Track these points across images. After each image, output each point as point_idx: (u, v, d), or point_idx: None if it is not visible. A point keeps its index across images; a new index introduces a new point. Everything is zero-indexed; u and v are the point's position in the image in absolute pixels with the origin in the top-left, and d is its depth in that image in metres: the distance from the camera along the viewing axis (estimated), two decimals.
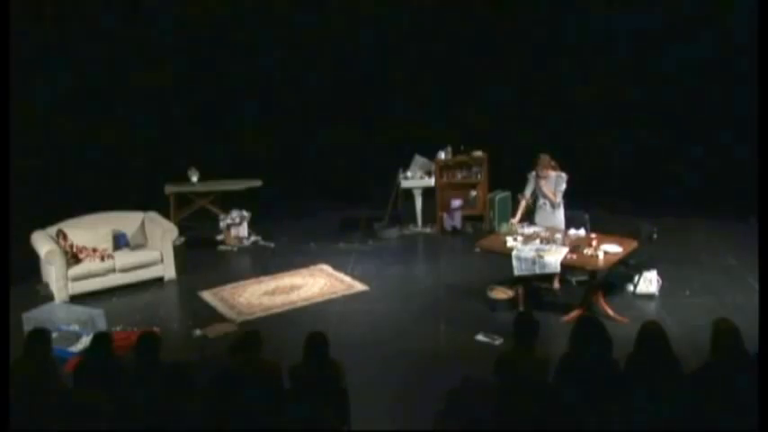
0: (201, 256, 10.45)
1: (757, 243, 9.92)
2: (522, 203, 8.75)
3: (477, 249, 8.91)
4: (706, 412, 4.64)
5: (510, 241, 8.16)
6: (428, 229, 11.38)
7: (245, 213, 11.00)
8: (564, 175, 8.58)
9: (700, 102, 11.65)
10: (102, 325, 7.76)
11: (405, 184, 11.34)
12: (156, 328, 7.52)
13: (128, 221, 9.88)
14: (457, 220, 11.31)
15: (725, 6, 11.24)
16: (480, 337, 7.48)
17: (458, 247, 10.66)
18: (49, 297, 8.93)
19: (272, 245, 10.94)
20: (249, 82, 12.57)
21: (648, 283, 8.39)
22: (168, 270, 9.55)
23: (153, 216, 10.05)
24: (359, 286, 9.14)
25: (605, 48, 12.16)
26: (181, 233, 10.38)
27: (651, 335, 4.99)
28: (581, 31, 12.19)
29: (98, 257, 9.23)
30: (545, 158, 8.58)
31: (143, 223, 9.92)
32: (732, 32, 11.17)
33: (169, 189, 11.30)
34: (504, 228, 8.70)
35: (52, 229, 9.34)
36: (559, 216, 8.66)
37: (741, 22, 10.79)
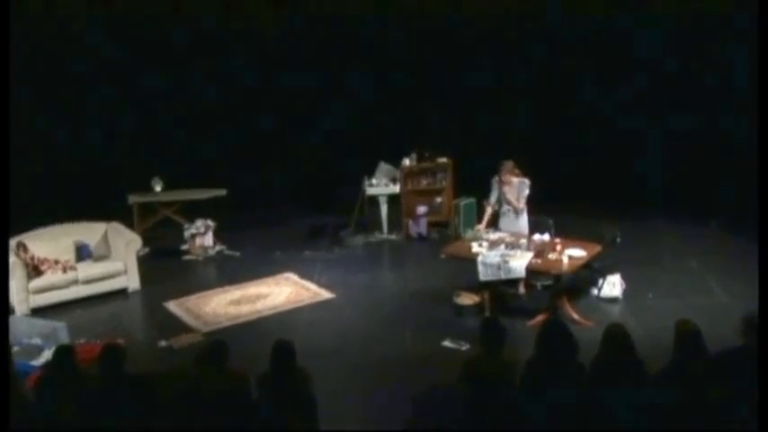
0: (166, 267, 10.38)
1: (720, 245, 10.16)
2: (488, 210, 8.81)
3: (443, 255, 8.94)
4: (669, 412, 4.71)
5: (475, 247, 8.20)
6: (394, 236, 11.40)
7: (210, 223, 10.94)
8: (527, 181, 8.66)
9: (660, 105, 11.82)
10: (64, 338, 7.67)
11: (370, 191, 11.35)
12: (120, 340, 7.43)
13: (90, 232, 9.77)
14: (422, 227, 11.35)
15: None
16: (447, 343, 7.50)
17: (423, 253, 10.67)
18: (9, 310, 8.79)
19: (238, 254, 10.88)
20: (213, 90, 12.51)
21: (612, 286, 8.48)
22: (132, 281, 9.46)
23: (116, 226, 9.94)
24: (325, 294, 9.13)
25: (566, 50, 12.29)
26: (145, 243, 10.33)
27: (615, 337, 5.05)
28: (544, 35, 12.30)
29: (60, 269, 9.12)
30: (508, 165, 8.65)
31: (106, 234, 9.81)
32: (686, 33, 11.38)
33: (133, 199, 11.20)
34: (469, 233, 8.76)
35: (12, 242, 9.19)
36: (523, 221, 8.74)
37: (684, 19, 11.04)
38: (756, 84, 8.00)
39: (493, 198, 8.78)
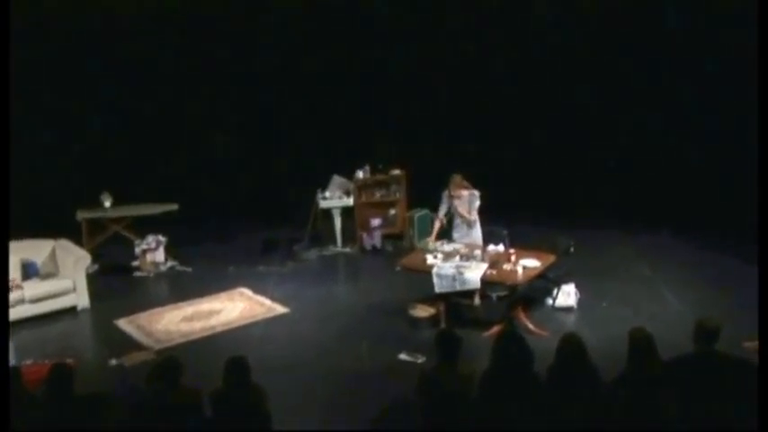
0: (116, 284, 10.24)
1: (672, 253, 10.33)
2: (437, 224, 8.89)
3: (398, 268, 8.96)
4: (623, 419, 4.77)
5: (430, 259, 8.24)
6: (348, 249, 11.38)
7: (162, 238, 10.81)
8: (476, 193, 8.75)
9: (613, 113, 12.02)
10: (11, 359, 7.49)
11: (323, 204, 11.33)
12: (69, 360, 7.27)
13: (37, 250, 9.58)
14: (377, 239, 11.36)
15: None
16: (403, 356, 7.50)
17: (378, 266, 10.68)
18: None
19: (190, 269, 10.78)
20: (162, 102, 12.40)
21: (567, 295, 8.57)
22: (81, 299, 9.30)
23: (64, 243, 9.78)
24: (279, 309, 9.08)
25: (519, 63, 12.44)
26: (94, 260, 10.16)
27: (570, 347, 5.10)
28: (491, 47, 12.43)
29: None
30: (456, 178, 8.73)
31: (53, 251, 9.64)
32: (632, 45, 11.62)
33: (81, 215, 11.01)
34: (422, 245, 8.79)
35: None
36: (477, 233, 8.82)
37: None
38: (757, 85, 8.12)
39: (441, 212, 8.88)
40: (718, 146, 10.82)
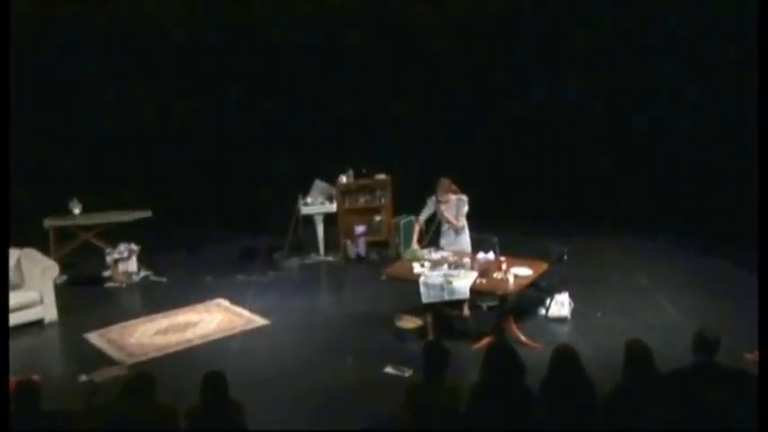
0: (86, 295, 10.18)
1: (669, 260, 10.39)
2: (416, 228, 8.89)
3: (383, 277, 8.95)
4: None
5: (417, 268, 8.23)
6: (331, 258, 11.38)
7: (134, 247, 10.77)
8: (464, 198, 8.75)
9: (606, 115, 12.09)
10: None
11: (305, 210, 11.32)
12: (36, 376, 7.20)
13: None
14: (361, 247, 11.36)
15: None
16: (389, 369, 7.49)
17: (362, 275, 10.68)
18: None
19: (165, 280, 10.74)
20: (135, 104, 12.36)
21: (560, 305, 8.58)
22: (49, 311, 9.24)
23: (30, 253, 9.71)
24: (259, 320, 9.05)
25: (510, 64, 12.48)
26: (63, 270, 10.11)
27: (564, 359, 5.10)
28: (484, 48, 12.48)
29: None
30: (444, 182, 8.73)
31: (19, 261, 9.57)
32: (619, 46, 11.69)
33: (48, 223, 10.96)
34: (408, 253, 8.79)
35: None
36: (465, 239, 8.81)
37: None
38: (757, 89, 8.20)
39: (423, 216, 8.87)
40: (715, 149, 10.90)
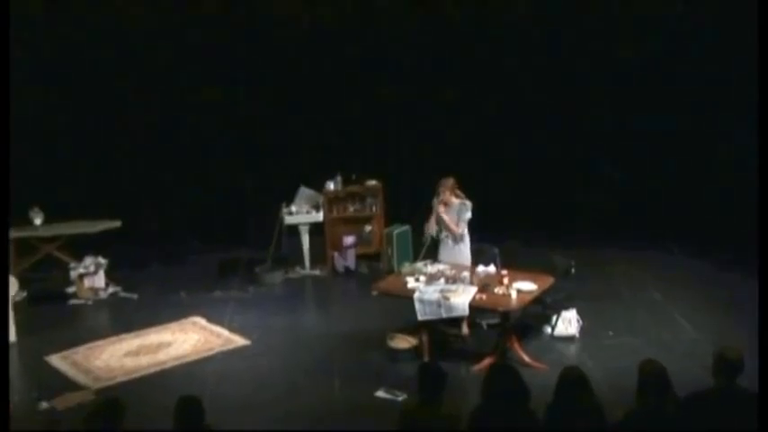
0: (49, 313, 10.14)
1: (685, 273, 10.40)
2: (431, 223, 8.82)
3: (375, 292, 8.92)
4: None
5: (411, 282, 8.22)
6: (317, 272, 11.37)
7: (102, 260, 10.74)
8: (468, 203, 8.71)
9: (617, 116, 12.12)
10: None
11: (289, 220, 11.30)
12: None
13: None
14: (350, 260, 11.34)
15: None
16: (381, 394, 7.49)
17: (352, 290, 10.70)
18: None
19: (135, 296, 10.70)
20: (103, 106, 12.34)
21: (568, 323, 8.59)
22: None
23: None
24: (239, 340, 9.04)
25: (513, 64, 12.51)
26: (22, 286, 10.09)
27: (571, 382, 5.10)
28: (484, 48, 12.51)
29: None
30: (448, 182, 8.70)
31: None
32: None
33: None
34: (406, 268, 8.76)
35: None
36: (465, 250, 8.79)
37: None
38: (757, 93, 8.26)
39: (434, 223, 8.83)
40: (734, 152, 10.92)
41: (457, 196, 8.73)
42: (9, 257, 9.79)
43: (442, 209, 8.69)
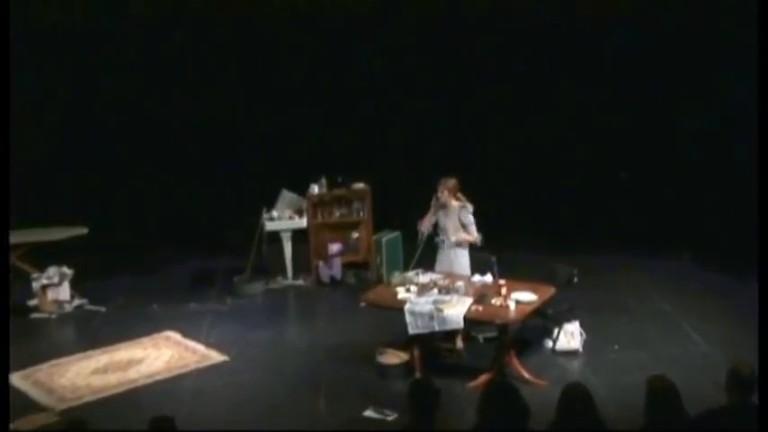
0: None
1: (694, 282, 10.42)
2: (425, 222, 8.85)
3: (363, 304, 8.96)
4: None
5: (402, 293, 8.22)
6: (300, 282, 11.38)
7: (67, 270, 10.71)
8: (469, 207, 8.73)
9: (623, 118, 12.17)
10: None
11: (270, 226, 11.31)
12: None
13: None
14: (336, 269, 11.35)
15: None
16: (370, 413, 7.48)
17: (338, 301, 10.71)
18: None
19: (103, 309, 10.68)
20: (72, 107, 12.33)
21: (570, 336, 8.60)
22: None
23: None
24: (216, 356, 9.03)
25: (513, 62, 12.56)
26: None
27: (574, 399, 5.09)
28: (483, 48, 12.55)
29: None
30: (449, 182, 8.72)
31: None
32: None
33: None
34: (397, 278, 8.74)
35: None
36: (462, 258, 8.81)
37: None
38: (757, 94, 8.32)
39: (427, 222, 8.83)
40: (744, 157, 10.95)
41: (457, 199, 8.74)
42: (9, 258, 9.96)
43: (441, 212, 8.70)
